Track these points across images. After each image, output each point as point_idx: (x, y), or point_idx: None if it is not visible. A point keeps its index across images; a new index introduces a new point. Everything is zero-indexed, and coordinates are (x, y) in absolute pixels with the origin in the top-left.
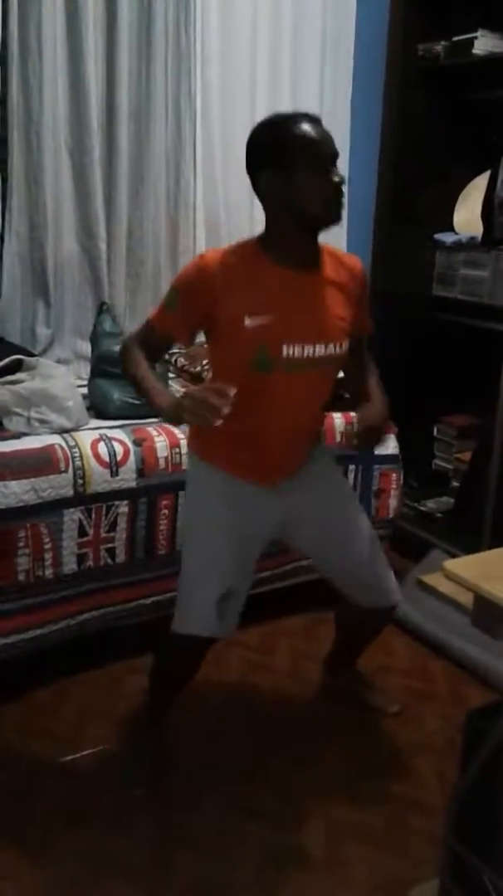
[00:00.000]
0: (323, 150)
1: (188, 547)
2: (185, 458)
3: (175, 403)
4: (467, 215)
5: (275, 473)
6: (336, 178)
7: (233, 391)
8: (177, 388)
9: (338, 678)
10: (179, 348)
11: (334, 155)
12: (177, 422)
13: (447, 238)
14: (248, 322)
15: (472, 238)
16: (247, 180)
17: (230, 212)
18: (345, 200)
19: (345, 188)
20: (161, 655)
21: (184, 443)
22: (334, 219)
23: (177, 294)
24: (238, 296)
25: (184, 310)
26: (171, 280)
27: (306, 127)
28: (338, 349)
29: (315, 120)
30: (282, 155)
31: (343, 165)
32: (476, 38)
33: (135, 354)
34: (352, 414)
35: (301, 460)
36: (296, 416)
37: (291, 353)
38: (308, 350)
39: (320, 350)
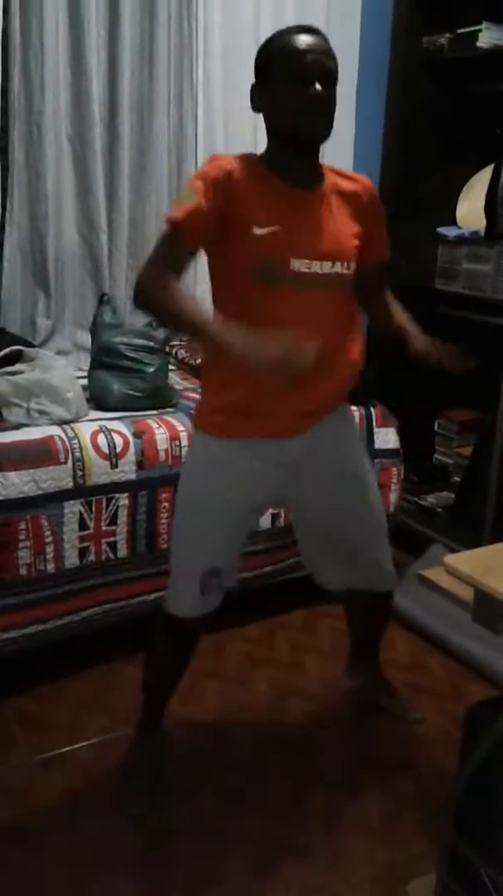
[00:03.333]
0: (303, 60)
1: (178, 526)
2: (184, 451)
3: (251, 342)
4: (470, 209)
5: (301, 414)
6: (311, 91)
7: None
8: (177, 379)
9: (361, 682)
10: (180, 340)
11: (320, 67)
12: (253, 364)
13: (450, 232)
14: (256, 231)
15: (475, 232)
16: None
17: None
18: (327, 116)
19: (324, 102)
20: (154, 640)
21: (183, 435)
22: (313, 133)
23: (193, 190)
24: (247, 203)
25: (201, 201)
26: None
27: (292, 37)
28: (345, 268)
29: (311, 31)
30: (265, 67)
31: (347, 157)
32: (480, 30)
33: (163, 281)
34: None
35: (326, 401)
36: (318, 331)
37: (298, 267)
38: (315, 266)
39: (327, 267)
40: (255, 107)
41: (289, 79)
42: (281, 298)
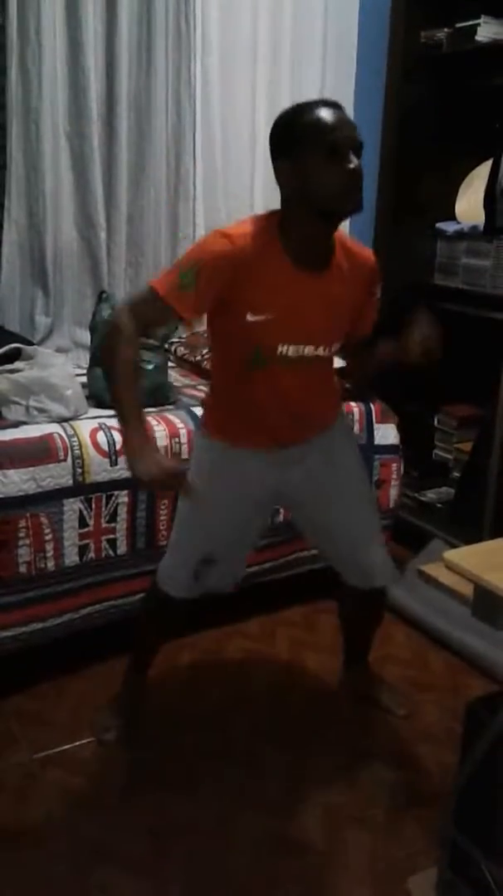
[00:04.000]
0: (336, 136)
1: (181, 511)
2: (184, 448)
3: (146, 467)
4: (469, 204)
5: (275, 441)
6: (350, 166)
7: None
8: (176, 376)
9: (350, 676)
10: (179, 337)
11: (353, 142)
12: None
13: (449, 227)
14: (249, 317)
15: (474, 227)
16: (246, 170)
17: (230, 201)
18: (362, 189)
19: (361, 176)
20: (145, 606)
21: (183, 432)
22: (351, 208)
23: (197, 272)
24: (248, 286)
25: (202, 290)
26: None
27: (320, 112)
28: (327, 351)
29: (334, 106)
30: (294, 142)
31: None
32: (479, 24)
33: (124, 341)
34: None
35: (302, 435)
36: (295, 402)
37: (285, 351)
38: (300, 350)
39: (310, 350)
40: (279, 183)
41: (326, 155)
42: (262, 378)
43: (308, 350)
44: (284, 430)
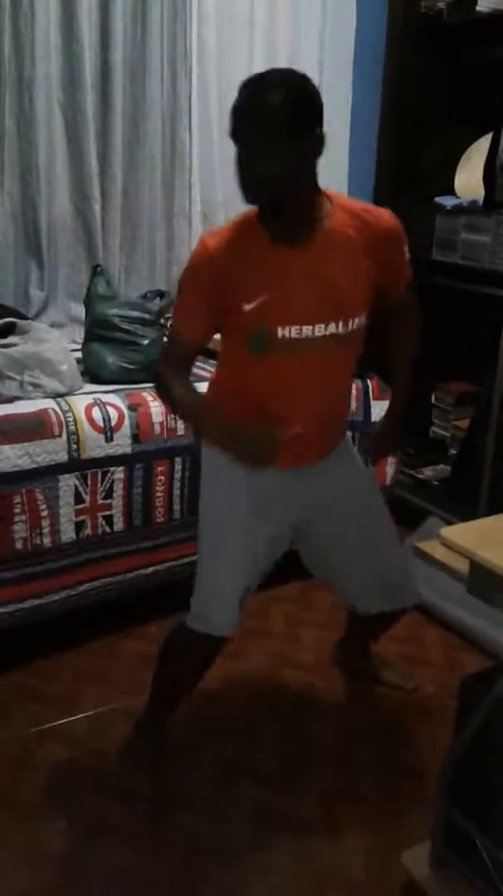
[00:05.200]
0: (241, 121)
1: (210, 546)
2: (180, 424)
3: (224, 433)
4: (468, 178)
5: (298, 458)
6: (241, 158)
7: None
8: None
9: (352, 657)
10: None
11: (255, 129)
12: (225, 447)
13: (448, 201)
14: (245, 307)
15: (473, 202)
16: None
17: (226, 173)
18: (253, 182)
19: (255, 173)
20: (173, 652)
21: None
22: (245, 198)
23: (190, 294)
24: (237, 281)
25: (200, 307)
26: (164, 241)
27: (241, 94)
28: (343, 327)
29: (263, 85)
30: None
31: (344, 126)
32: None
33: (167, 378)
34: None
35: (324, 447)
36: (311, 398)
37: (287, 334)
38: (307, 331)
39: (320, 330)
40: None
41: (235, 138)
42: (271, 366)
43: (319, 330)
44: (305, 436)
